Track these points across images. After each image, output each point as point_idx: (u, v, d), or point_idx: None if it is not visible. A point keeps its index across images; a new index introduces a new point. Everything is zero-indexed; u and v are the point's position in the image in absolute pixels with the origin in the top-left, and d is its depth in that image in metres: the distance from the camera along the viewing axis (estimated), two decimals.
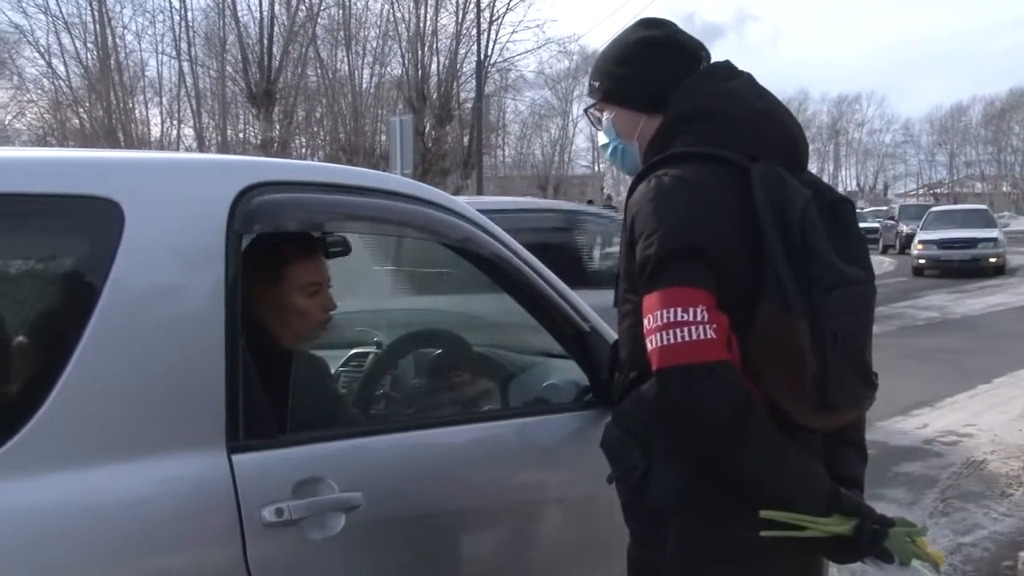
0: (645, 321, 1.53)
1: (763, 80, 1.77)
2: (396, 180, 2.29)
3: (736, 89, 1.72)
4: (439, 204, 2.21)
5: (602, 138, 1.87)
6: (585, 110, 1.92)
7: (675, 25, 1.81)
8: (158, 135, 31.64)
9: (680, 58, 1.76)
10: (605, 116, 1.84)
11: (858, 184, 79.03)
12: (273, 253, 2.15)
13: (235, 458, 1.67)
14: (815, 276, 1.52)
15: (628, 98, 1.79)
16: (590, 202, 25.43)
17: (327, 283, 2.26)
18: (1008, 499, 5.18)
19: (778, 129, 1.70)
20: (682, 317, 1.48)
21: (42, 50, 27.83)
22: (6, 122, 29.29)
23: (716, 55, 1.80)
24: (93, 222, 1.64)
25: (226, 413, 1.68)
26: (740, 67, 1.79)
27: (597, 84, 1.84)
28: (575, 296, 2.36)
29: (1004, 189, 73.19)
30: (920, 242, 21.56)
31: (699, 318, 1.48)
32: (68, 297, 1.65)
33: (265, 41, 26.56)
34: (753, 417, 1.49)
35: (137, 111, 30.95)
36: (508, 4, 32.47)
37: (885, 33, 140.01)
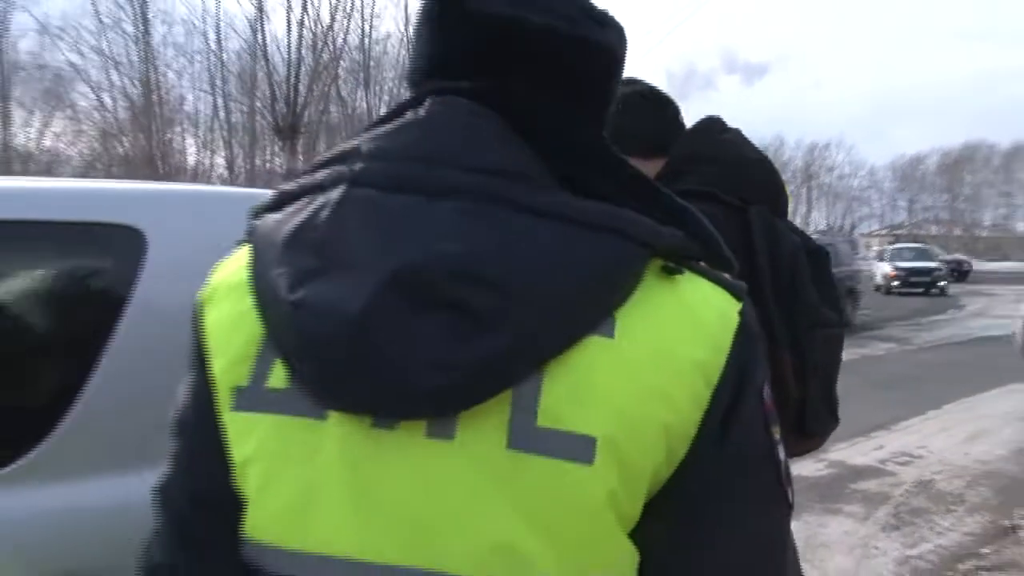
0: None
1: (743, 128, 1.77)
2: None
3: (732, 140, 1.72)
4: None
5: None
6: None
7: (647, 81, 1.81)
8: (193, 163, 31.79)
9: (664, 107, 1.76)
10: None
11: (828, 224, 79.24)
12: None
13: None
14: (799, 313, 1.53)
15: (626, 143, 1.73)
16: None
17: None
18: (952, 515, 5.16)
19: (768, 178, 1.70)
20: None
21: (93, 85, 28.06)
22: (60, 149, 29.64)
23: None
24: (119, 247, 1.64)
25: None
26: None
27: None
28: None
29: (956, 233, 73.43)
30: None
31: None
32: (94, 314, 1.64)
33: (292, 80, 26.66)
34: None
35: (175, 141, 31.08)
36: None
37: (854, 86, 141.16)
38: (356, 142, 0.79)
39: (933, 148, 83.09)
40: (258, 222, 0.81)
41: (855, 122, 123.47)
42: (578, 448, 0.70)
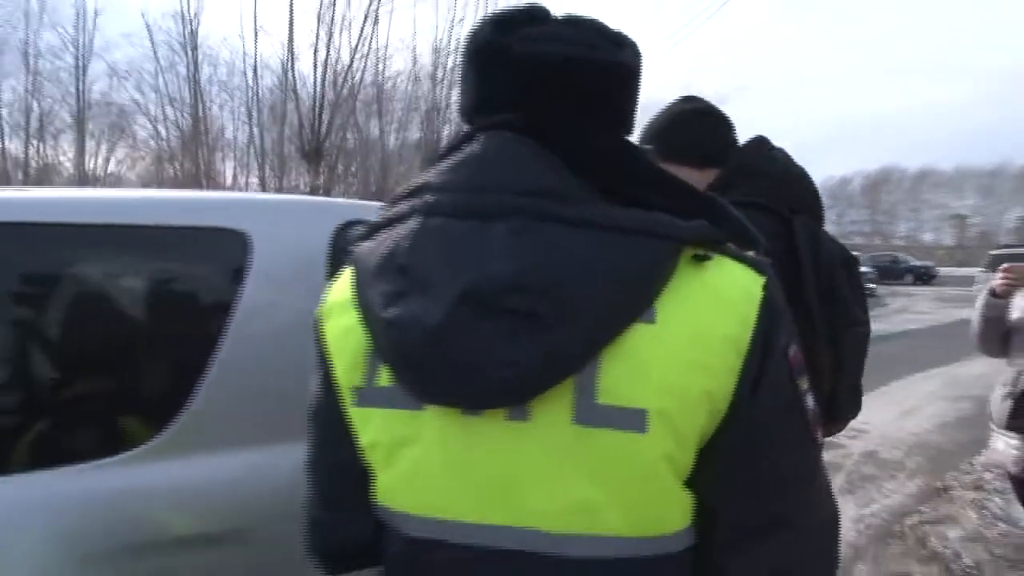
0: None
1: None
2: None
3: (778, 156, 1.65)
4: None
5: None
6: None
7: (704, 100, 1.72)
8: (230, 183, 31.75)
9: (722, 124, 1.68)
10: None
11: None
12: None
13: None
14: (837, 314, 1.48)
15: (682, 155, 1.63)
16: None
17: None
18: (894, 479, 5.18)
19: (809, 191, 1.64)
20: None
21: (151, 119, 28.12)
22: (121, 173, 30.02)
23: None
24: (229, 248, 1.61)
25: None
26: None
27: (651, 147, 1.67)
28: None
29: (876, 242, 74.07)
30: None
31: None
32: (210, 308, 1.60)
33: (317, 111, 26.59)
34: None
35: (216, 165, 31.00)
36: None
37: (795, 117, 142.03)
38: (427, 177, 0.81)
39: (857, 171, 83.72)
40: (356, 249, 0.84)
41: (795, 147, 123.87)
42: (633, 420, 0.72)
